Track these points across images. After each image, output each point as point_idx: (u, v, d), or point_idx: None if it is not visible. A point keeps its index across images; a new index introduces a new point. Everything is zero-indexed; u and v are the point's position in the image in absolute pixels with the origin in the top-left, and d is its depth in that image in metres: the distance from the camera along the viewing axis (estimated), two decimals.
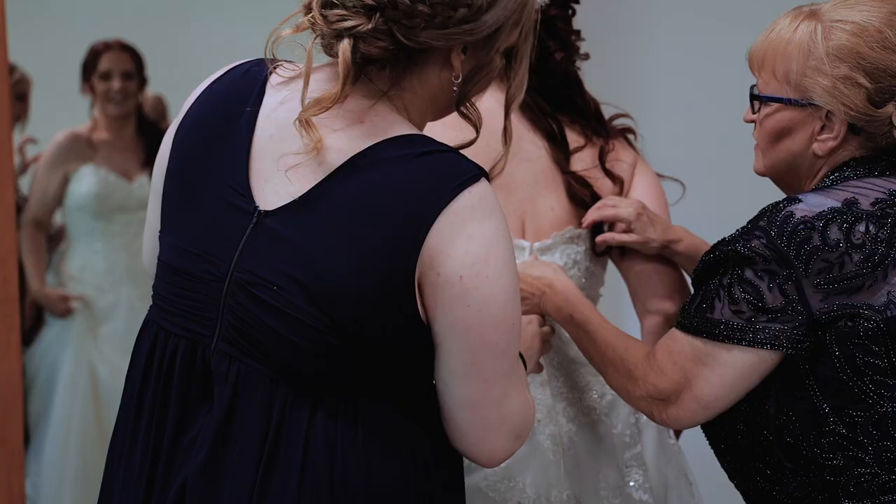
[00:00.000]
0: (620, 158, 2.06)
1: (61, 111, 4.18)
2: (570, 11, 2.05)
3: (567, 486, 2.02)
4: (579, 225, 2.02)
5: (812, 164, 1.69)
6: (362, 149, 1.38)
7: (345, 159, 1.38)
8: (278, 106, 1.43)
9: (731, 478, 1.76)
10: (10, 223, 2.38)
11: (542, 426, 2.03)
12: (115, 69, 3.99)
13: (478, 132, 1.49)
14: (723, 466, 1.76)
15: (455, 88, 1.45)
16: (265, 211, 1.39)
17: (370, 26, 1.36)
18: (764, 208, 1.62)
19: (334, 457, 1.39)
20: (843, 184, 1.64)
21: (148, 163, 3.97)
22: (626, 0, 3.81)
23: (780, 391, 1.62)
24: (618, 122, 2.12)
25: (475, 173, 1.37)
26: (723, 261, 1.62)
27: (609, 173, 2.04)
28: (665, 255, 1.99)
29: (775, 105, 1.68)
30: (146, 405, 1.48)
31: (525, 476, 2.01)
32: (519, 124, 1.97)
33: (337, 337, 1.37)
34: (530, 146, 2.00)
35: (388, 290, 1.35)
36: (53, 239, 4.11)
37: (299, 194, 1.38)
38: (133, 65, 4.02)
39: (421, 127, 1.47)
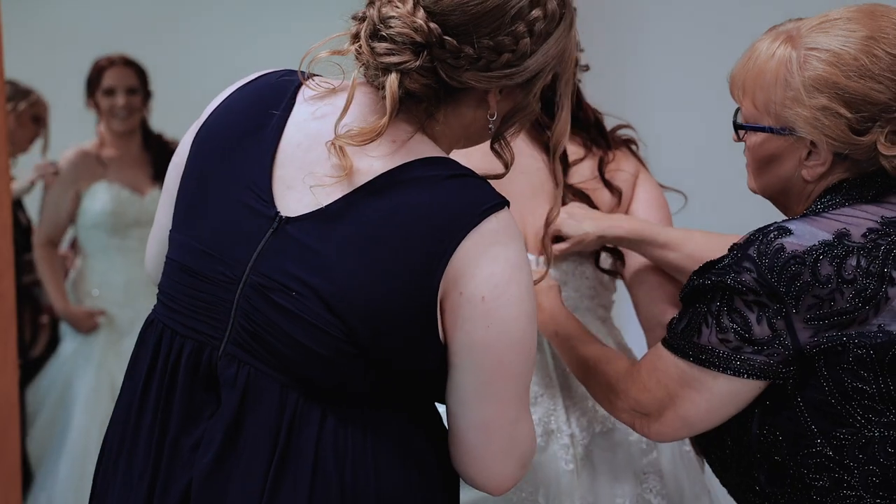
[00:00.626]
0: (621, 168, 2.05)
1: (67, 127, 4.18)
2: None
3: (579, 496, 2.00)
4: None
5: (802, 188, 1.67)
6: (392, 167, 1.39)
7: (373, 176, 1.39)
8: (311, 118, 1.45)
9: (727, 490, 1.74)
10: (6, 239, 2.38)
11: (555, 436, 2.01)
12: (118, 85, 3.99)
13: (507, 169, 1.52)
14: (718, 478, 1.75)
15: (490, 127, 1.47)
16: (287, 217, 1.40)
17: (417, 63, 1.38)
18: (753, 235, 1.59)
19: (344, 464, 1.40)
20: (835, 211, 1.60)
21: (157, 176, 3.97)
22: (625, 10, 3.79)
23: (767, 411, 1.60)
24: (621, 133, 2.11)
25: (500, 201, 1.41)
26: (711, 287, 1.59)
27: (608, 184, 2.03)
28: (611, 245, 1.98)
29: (761, 134, 1.66)
30: (149, 404, 1.48)
31: (538, 487, 1.99)
32: (518, 138, 1.96)
33: (353, 346, 1.37)
34: (529, 160, 2.00)
35: (409, 306, 1.36)
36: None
37: (324, 204, 1.39)
38: (137, 80, 4.03)
39: (448, 153, 1.48)
